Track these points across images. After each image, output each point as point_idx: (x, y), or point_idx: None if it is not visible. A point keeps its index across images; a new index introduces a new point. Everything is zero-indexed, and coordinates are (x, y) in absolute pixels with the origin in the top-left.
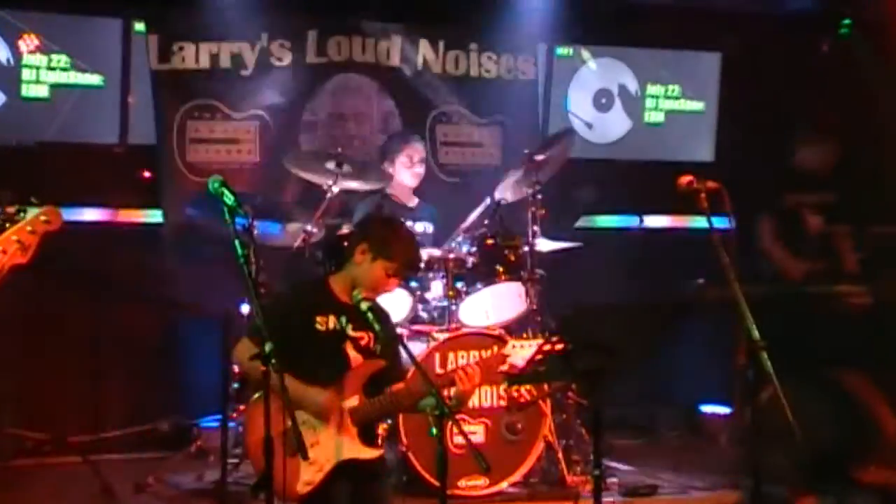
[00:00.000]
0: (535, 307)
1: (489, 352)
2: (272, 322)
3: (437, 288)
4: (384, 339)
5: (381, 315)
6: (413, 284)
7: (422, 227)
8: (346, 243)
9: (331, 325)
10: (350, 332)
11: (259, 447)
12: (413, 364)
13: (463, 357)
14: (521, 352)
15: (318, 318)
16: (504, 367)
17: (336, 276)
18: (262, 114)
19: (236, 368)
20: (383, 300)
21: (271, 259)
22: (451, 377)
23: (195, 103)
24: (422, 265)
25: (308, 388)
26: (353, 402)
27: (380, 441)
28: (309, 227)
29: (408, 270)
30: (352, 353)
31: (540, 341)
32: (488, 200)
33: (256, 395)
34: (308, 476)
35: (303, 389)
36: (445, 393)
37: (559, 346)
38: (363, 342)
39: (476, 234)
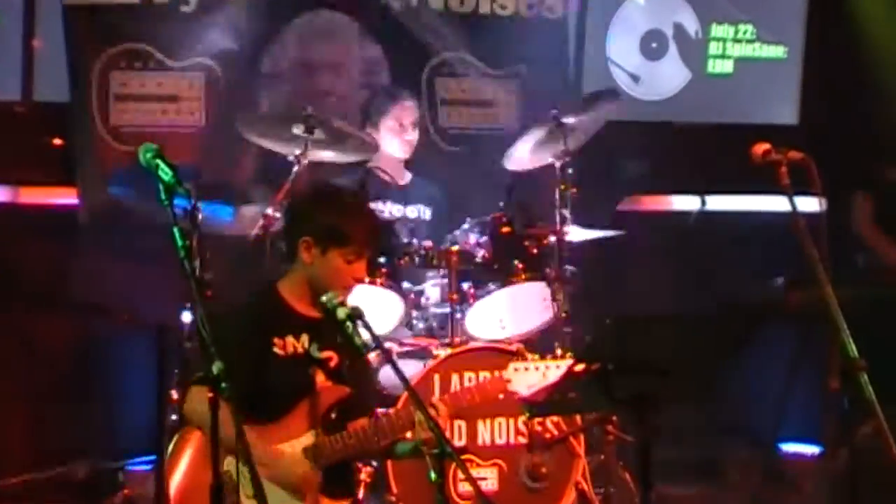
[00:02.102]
0: (564, 315)
1: (497, 375)
2: (222, 347)
3: (436, 290)
4: (357, 357)
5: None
6: (406, 286)
7: (415, 211)
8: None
9: (291, 348)
10: (316, 353)
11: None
12: (406, 390)
13: (471, 380)
14: (526, 376)
15: (276, 341)
16: (520, 395)
17: (286, 282)
18: (208, 63)
19: (175, 396)
20: (367, 306)
21: (221, 252)
22: (409, 416)
23: (121, 48)
24: (385, 231)
25: (279, 452)
26: (306, 439)
27: (357, 490)
28: (270, 211)
29: (371, 244)
30: (321, 380)
31: (569, 360)
32: (503, 174)
33: (180, 437)
34: None
35: (272, 453)
36: (407, 436)
37: (595, 367)
38: (333, 364)
39: (487, 220)
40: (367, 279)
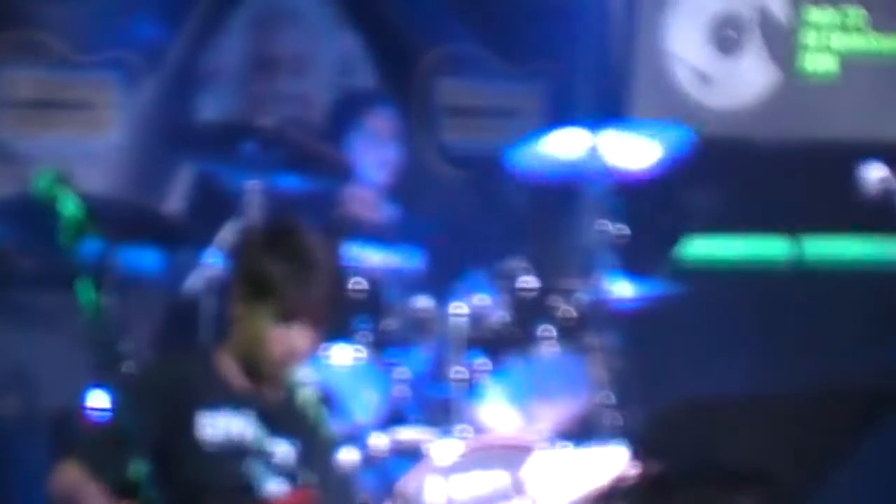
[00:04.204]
0: (608, 399)
1: None
2: (126, 425)
3: (434, 364)
4: (324, 455)
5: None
6: (393, 358)
7: (399, 259)
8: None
9: (223, 429)
10: (261, 442)
11: None
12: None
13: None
14: (555, 480)
15: (206, 419)
16: None
17: (223, 348)
18: (128, 57)
19: None
20: (340, 386)
21: (146, 313)
22: None
23: (7, 37)
24: (338, 288)
25: None
26: None
27: None
28: (212, 259)
29: (314, 303)
30: (265, 478)
31: (617, 460)
32: (524, 208)
33: None
34: None
35: None
36: None
37: (651, 470)
38: (284, 457)
39: (504, 270)
40: (318, 351)
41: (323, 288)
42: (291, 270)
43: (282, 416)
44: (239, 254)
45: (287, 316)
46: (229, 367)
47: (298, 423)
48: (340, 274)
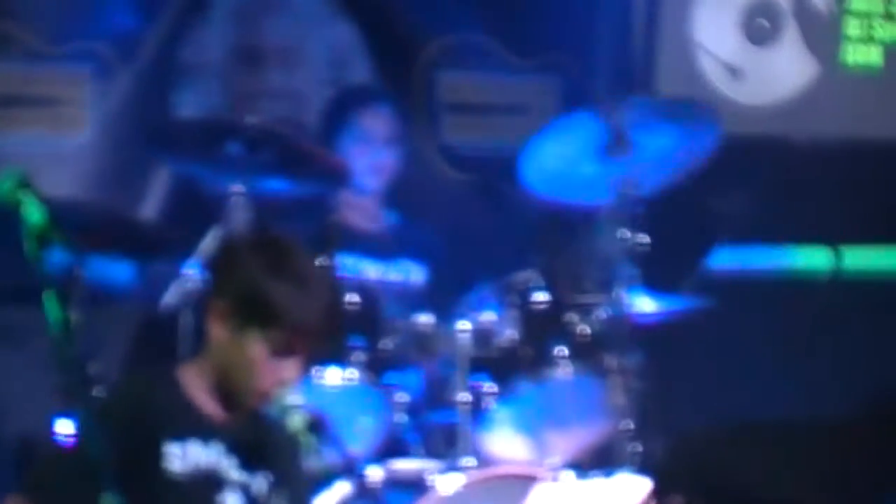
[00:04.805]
0: (629, 425)
1: None
2: (92, 455)
3: (436, 389)
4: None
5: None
6: (392, 381)
7: (402, 270)
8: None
9: (193, 459)
10: (232, 473)
11: None
12: None
13: None
14: None
15: (172, 448)
16: None
17: (191, 368)
18: (100, 49)
19: None
20: (333, 411)
21: (118, 330)
22: None
23: None
24: (340, 317)
25: None
26: None
27: None
28: (191, 271)
29: (314, 336)
30: None
31: (638, 490)
32: (536, 215)
33: None
34: None
35: None
36: None
37: (677, 502)
38: (258, 491)
39: (514, 284)
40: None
41: (325, 317)
42: (295, 297)
43: (257, 445)
44: (227, 269)
45: (284, 347)
46: (200, 391)
47: (276, 454)
48: (340, 298)
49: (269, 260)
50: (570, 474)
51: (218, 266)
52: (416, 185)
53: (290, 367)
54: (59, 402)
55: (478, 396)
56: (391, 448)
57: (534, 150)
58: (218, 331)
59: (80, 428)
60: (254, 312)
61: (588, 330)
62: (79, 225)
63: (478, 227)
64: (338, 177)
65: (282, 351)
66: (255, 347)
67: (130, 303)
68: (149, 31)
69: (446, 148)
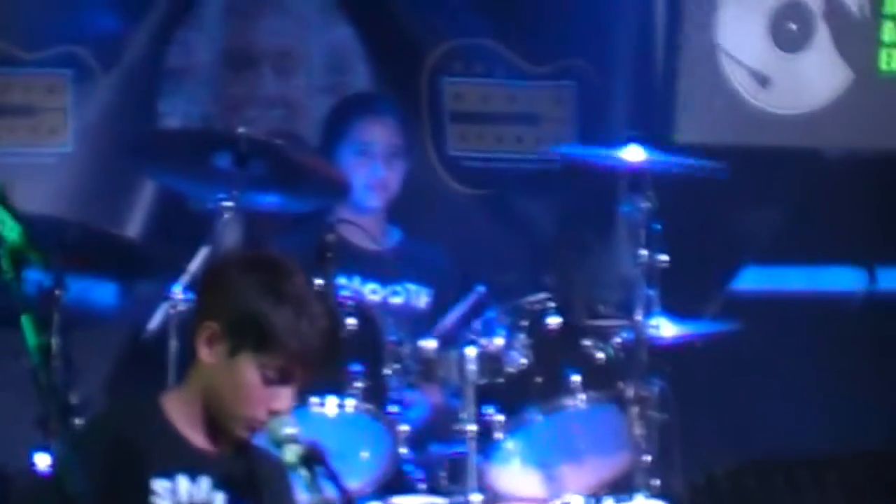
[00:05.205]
0: (648, 459)
1: None
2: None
3: (441, 419)
4: None
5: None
6: (393, 410)
7: (404, 293)
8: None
9: (184, 495)
10: None
11: None
12: None
13: None
14: None
15: (157, 483)
16: None
17: (175, 397)
18: (80, 53)
19: None
20: (331, 443)
21: (101, 356)
22: None
23: None
24: (340, 343)
25: None
26: None
27: None
28: (178, 292)
29: (310, 364)
30: None
31: None
32: (549, 234)
33: None
34: None
35: None
36: None
37: None
38: None
39: (525, 307)
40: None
41: (324, 343)
42: (292, 320)
43: (248, 480)
44: (218, 290)
45: (280, 373)
46: (187, 422)
47: (268, 489)
48: (340, 322)
49: (265, 281)
50: None
51: (208, 287)
52: (421, 200)
53: (284, 396)
54: (38, 433)
55: (486, 427)
56: (392, 483)
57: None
58: (207, 356)
59: (58, 461)
60: (247, 336)
61: (604, 356)
62: (58, 243)
63: (486, 246)
64: (336, 192)
65: (276, 378)
66: (248, 374)
67: (113, 326)
68: (132, 34)
69: (453, 160)
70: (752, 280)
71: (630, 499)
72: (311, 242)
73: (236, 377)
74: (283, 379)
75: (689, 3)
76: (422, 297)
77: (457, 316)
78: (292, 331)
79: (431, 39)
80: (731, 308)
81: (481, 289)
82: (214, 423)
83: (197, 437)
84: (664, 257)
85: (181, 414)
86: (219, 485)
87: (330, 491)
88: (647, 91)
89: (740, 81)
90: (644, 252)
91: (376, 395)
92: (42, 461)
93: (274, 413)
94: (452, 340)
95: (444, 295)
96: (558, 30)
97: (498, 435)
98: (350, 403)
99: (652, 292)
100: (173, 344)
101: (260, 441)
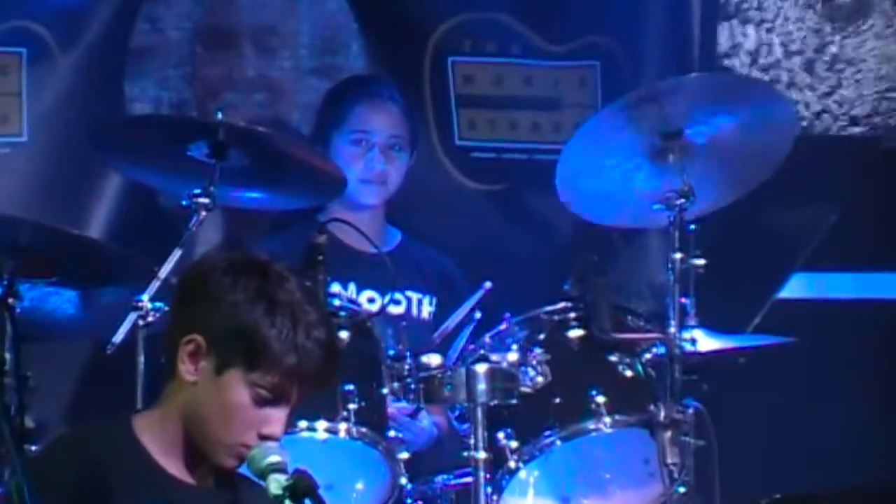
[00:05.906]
0: (681, 490)
1: None
2: None
3: (446, 445)
4: None
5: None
6: (394, 435)
7: (401, 305)
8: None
9: None
10: None
11: None
12: None
13: None
14: None
15: None
16: None
17: (147, 419)
18: (35, 29)
19: None
20: (323, 471)
21: (59, 369)
22: None
23: None
24: (338, 359)
25: None
26: None
27: None
28: (147, 301)
29: (305, 382)
30: None
31: None
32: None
33: None
34: None
35: None
36: None
37: None
38: None
39: (542, 318)
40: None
41: (324, 359)
42: (289, 333)
43: None
44: (201, 298)
45: (272, 393)
46: (160, 448)
47: None
48: (337, 335)
49: (255, 286)
50: None
51: (189, 295)
52: (424, 197)
53: (277, 418)
54: None
55: (497, 455)
56: None
57: (568, 157)
58: (189, 373)
59: (10, 494)
60: (237, 350)
61: (632, 373)
62: (11, 245)
63: (498, 249)
64: (328, 187)
65: (269, 398)
66: (237, 393)
67: (74, 340)
68: (94, 8)
69: (460, 151)
70: (798, 288)
71: None
72: (300, 244)
73: (223, 397)
74: (276, 399)
75: None
76: (425, 307)
77: (461, 316)
78: (288, 344)
79: (436, 14)
80: (778, 318)
81: (489, 284)
82: (195, 450)
83: (173, 466)
84: (700, 262)
85: (155, 439)
86: None
87: None
88: (681, 72)
89: (783, 63)
90: (678, 256)
91: (373, 417)
92: None
93: (265, 438)
94: (459, 354)
95: (449, 304)
96: (581, 3)
97: (511, 463)
98: (343, 428)
99: (687, 301)
100: (141, 359)
101: (243, 470)
